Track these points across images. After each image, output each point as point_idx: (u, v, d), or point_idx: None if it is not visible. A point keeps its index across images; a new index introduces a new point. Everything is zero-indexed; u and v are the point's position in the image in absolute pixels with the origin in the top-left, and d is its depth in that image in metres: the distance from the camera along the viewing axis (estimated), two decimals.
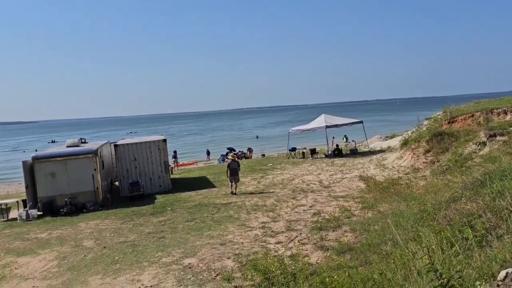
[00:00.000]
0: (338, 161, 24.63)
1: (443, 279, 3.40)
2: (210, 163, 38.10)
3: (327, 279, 5.55)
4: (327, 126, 27.20)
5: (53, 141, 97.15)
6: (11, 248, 11.62)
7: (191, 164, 38.28)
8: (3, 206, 16.56)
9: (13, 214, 16.35)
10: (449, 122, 21.06)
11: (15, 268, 9.69)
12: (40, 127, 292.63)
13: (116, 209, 15.80)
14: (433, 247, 4.91)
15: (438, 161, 17.47)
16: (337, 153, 27.57)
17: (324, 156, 27.77)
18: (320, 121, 28.41)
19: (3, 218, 16.09)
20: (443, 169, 15.53)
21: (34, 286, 8.35)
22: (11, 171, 42.60)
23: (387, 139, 36.95)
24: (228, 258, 8.94)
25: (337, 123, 28.81)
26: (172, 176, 21.96)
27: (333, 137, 36.08)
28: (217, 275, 7.93)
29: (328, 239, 9.70)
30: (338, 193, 15.39)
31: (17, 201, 17.20)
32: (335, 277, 5.43)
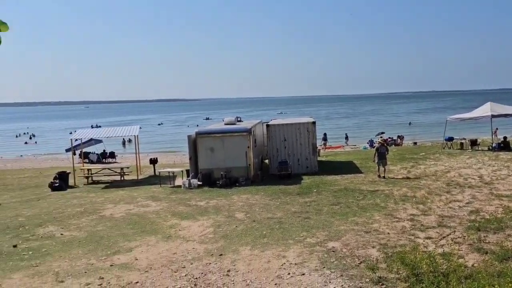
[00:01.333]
0: (504, 155, 21.78)
1: None
2: (355, 147, 37.38)
3: (486, 287, 5.03)
4: (493, 116, 24.19)
5: (207, 118, 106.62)
6: (176, 211, 13.24)
7: (338, 147, 38.12)
8: (171, 174, 18.90)
9: (178, 181, 18.55)
10: None
11: (179, 230, 11.04)
12: (201, 105, 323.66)
13: (265, 186, 16.69)
14: None
15: None
16: (504, 146, 24.36)
17: (487, 149, 24.83)
18: (485, 109, 25.38)
19: (170, 184, 18.38)
20: None
21: (193, 248, 9.41)
22: (177, 144, 48.18)
23: None
24: (373, 247, 8.74)
25: (507, 113, 25.37)
26: (318, 159, 22.21)
27: (497, 128, 31.94)
28: (361, 262, 7.83)
29: (487, 241, 8.73)
30: (502, 192, 13.66)
31: (182, 171, 19.43)
32: (496, 286, 4.88)
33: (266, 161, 21.57)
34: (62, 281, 7.68)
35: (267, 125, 20.22)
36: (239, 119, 22.53)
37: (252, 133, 18.73)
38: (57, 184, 18.74)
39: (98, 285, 7.43)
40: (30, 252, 9.63)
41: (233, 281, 7.37)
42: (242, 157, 18.12)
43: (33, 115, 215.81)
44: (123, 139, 46.96)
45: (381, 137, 27.58)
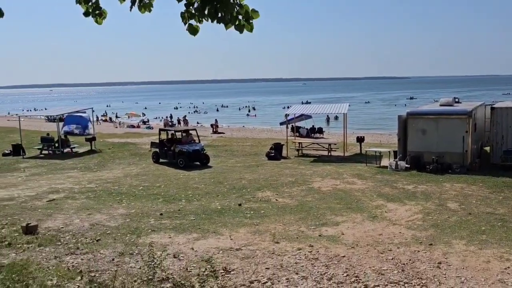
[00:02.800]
0: None
1: None
2: None
3: None
4: None
5: (411, 98, 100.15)
6: (382, 192, 13.09)
7: None
8: (377, 154, 18.66)
9: (384, 162, 18.19)
10: None
11: (385, 212, 10.92)
12: (408, 83, 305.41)
13: (484, 176, 14.92)
14: None
15: None
16: None
17: None
18: None
19: (376, 164, 18.18)
20: None
21: (400, 232, 9.20)
22: (384, 123, 46.97)
23: None
24: None
25: None
26: None
27: None
28: None
29: None
30: None
31: (389, 151, 18.94)
32: None
33: (487, 148, 19.14)
34: (277, 242, 8.60)
35: (492, 108, 17.80)
36: (457, 100, 20.44)
37: (473, 116, 16.81)
38: (272, 154, 20.75)
39: (308, 251, 8.04)
40: (252, 212, 11.05)
41: (445, 274, 6.96)
42: (458, 142, 16.51)
43: (255, 90, 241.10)
44: (327, 116, 48.34)
45: None
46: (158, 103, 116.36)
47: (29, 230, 9.20)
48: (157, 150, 20.89)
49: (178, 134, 21.55)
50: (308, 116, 33.49)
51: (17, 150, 23.44)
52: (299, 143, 23.48)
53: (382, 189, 13.58)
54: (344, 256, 7.80)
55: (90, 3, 4.58)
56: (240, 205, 11.80)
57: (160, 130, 22.31)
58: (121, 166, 19.91)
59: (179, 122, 50.77)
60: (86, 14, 4.63)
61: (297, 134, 33.44)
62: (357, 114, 64.20)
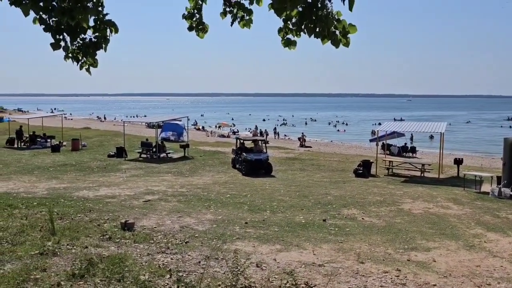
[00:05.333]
0: None
1: None
2: None
3: None
4: None
5: (509, 119, 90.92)
6: (481, 220, 12.04)
7: None
8: (477, 178, 17.24)
9: (485, 187, 16.76)
10: None
11: (484, 242, 10.02)
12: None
13: None
14: None
15: None
16: None
17: None
18: None
19: (476, 189, 16.79)
20: None
21: (502, 266, 8.37)
22: (486, 145, 43.34)
23: None
24: None
25: None
26: None
27: None
28: None
29: None
30: None
31: (491, 176, 17.41)
32: None
33: None
34: (362, 262, 8.31)
35: None
36: None
37: None
38: (360, 171, 20.18)
39: (395, 276, 7.64)
40: (336, 229, 10.81)
41: None
42: None
43: (346, 105, 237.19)
44: (411, 135, 45.81)
45: None
46: (249, 114, 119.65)
47: (127, 226, 9.95)
48: (234, 156, 22.52)
49: (249, 143, 23.40)
50: (401, 134, 32.13)
51: (120, 152, 25.60)
52: (390, 161, 22.56)
53: (481, 216, 12.51)
54: (435, 285, 7.29)
55: (194, 19, 4.90)
56: (324, 220, 11.62)
57: (237, 139, 23.80)
58: (211, 173, 20.74)
59: (260, 134, 53.54)
60: (190, 28, 4.96)
61: (388, 152, 32.21)
62: (457, 134, 60.05)
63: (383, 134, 29.19)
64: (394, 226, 11.24)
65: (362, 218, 12.01)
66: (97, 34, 3.93)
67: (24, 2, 3.39)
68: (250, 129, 62.31)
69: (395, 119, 67.09)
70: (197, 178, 19.29)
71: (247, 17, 4.48)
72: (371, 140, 37.21)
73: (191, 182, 18.01)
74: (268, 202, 13.90)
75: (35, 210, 11.53)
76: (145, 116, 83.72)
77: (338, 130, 69.33)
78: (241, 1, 4.39)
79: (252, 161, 20.33)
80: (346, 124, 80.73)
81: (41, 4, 3.26)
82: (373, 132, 25.15)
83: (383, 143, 31.03)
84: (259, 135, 51.48)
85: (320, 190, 16.15)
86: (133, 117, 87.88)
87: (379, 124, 39.89)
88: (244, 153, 20.99)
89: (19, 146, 30.75)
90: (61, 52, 3.92)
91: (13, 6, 3.44)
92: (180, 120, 38.25)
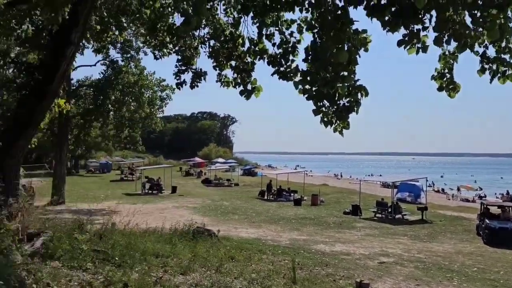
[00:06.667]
0: None
1: None
2: None
3: None
4: None
5: None
6: None
7: None
8: None
9: None
10: None
11: None
12: None
13: None
14: None
15: None
16: None
17: None
18: None
19: None
20: None
21: None
22: None
23: None
24: None
25: None
26: None
27: None
28: None
29: None
30: None
31: None
32: None
33: None
34: None
35: None
36: None
37: None
38: None
39: None
40: None
41: None
42: None
43: None
44: None
45: None
46: (500, 177, 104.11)
47: (362, 287, 9.86)
48: (478, 223, 20.13)
49: (495, 209, 20.75)
50: None
51: (356, 210, 25.98)
52: None
53: None
54: None
55: (444, 79, 4.79)
56: None
57: (481, 204, 21.63)
58: (453, 241, 18.76)
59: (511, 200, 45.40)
60: (440, 89, 4.86)
61: None
62: None
63: None
64: None
65: None
66: (349, 99, 4.29)
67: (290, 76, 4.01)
68: (502, 194, 54.03)
69: None
70: (436, 244, 17.73)
71: (510, 71, 4.11)
72: None
73: (430, 248, 16.65)
74: None
75: (280, 258, 12.68)
76: (380, 175, 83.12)
77: None
78: (502, 56, 4.07)
79: (495, 229, 17.59)
80: None
81: (308, 78, 3.82)
82: None
83: None
84: (511, 201, 43.97)
85: None
86: (369, 175, 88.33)
87: None
88: (487, 220, 18.41)
89: (268, 198, 34.91)
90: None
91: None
92: (418, 181, 36.45)
